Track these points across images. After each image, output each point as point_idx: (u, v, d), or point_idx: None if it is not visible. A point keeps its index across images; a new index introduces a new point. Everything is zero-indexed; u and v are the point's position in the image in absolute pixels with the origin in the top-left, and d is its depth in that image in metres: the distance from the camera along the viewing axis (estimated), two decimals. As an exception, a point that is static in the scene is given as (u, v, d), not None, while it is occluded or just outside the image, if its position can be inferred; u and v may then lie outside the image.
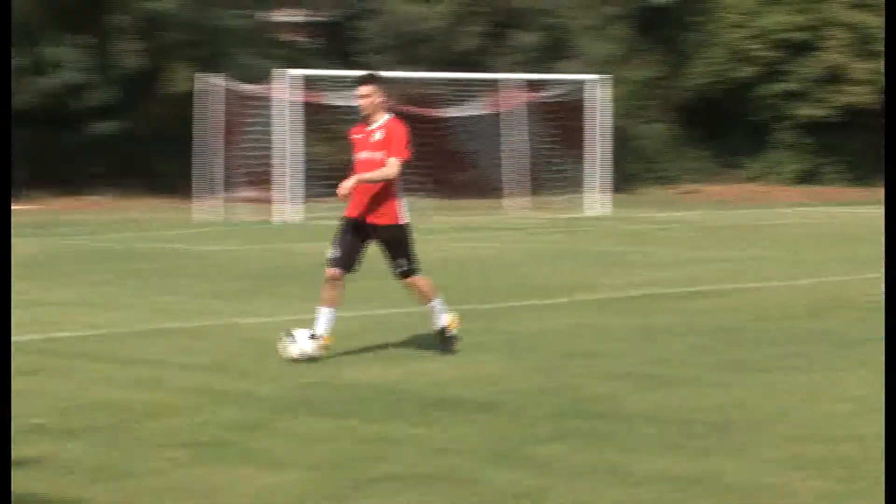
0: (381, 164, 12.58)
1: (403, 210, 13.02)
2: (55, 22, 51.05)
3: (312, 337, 12.78)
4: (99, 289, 22.81)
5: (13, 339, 14.65)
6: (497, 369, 13.08)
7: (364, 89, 12.71)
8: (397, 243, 13.02)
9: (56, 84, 51.53)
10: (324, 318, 12.90)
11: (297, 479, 8.15)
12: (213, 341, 15.82)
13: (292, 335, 12.76)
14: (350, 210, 13.13)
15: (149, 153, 52.78)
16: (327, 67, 50.06)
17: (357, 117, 38.33)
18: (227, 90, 46.31)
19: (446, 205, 45.69)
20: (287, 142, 43.90)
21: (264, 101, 44.89)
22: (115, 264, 27.79)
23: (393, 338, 15.57)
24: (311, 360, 12.83)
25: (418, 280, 13.48)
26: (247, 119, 45.11)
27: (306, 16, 59.09)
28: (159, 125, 52.51)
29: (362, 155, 12.73)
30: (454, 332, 13.48)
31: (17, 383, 11.43)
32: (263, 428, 10.19)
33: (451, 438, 9.28)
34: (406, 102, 47.09)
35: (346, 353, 14.32)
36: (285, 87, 44.98)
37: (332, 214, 42.50)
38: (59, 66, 51.59)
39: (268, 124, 44.35)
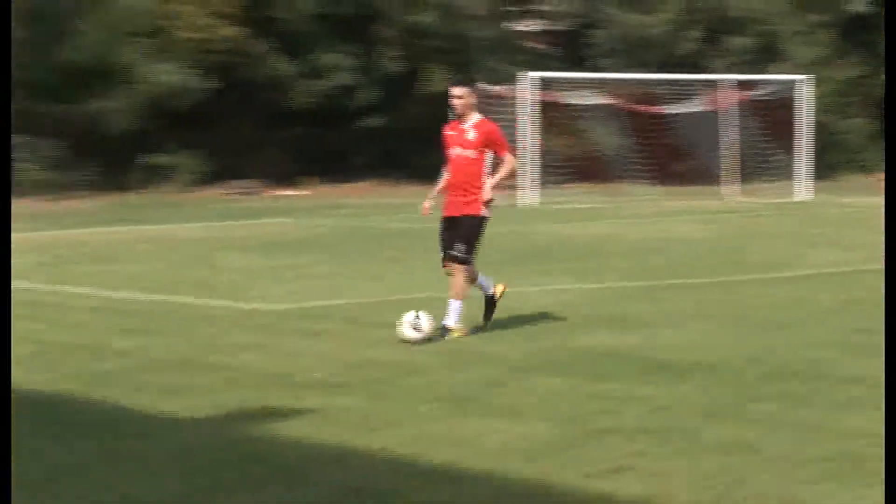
0: (473, 160, 13.41)
1: (487, 206, 13.68)
2: (330, 33, 55.33)
3: (445, 329, 13.41)
4: (364, 263, 24.57)
5: (304, 304, 17.30)
6: (714, 337, 14.07)
7: (458, 91, 13.64)
8: (467, 230, 13.78)
9: (329, 87, 55.86)
10: (482, 282, 13.96)
11: (535, 431, 9.29)
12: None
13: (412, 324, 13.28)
14: (447, 210, 13.90)
15: (407, 146, 56.26)
16: (563, 70, 52.74)
17: (589, 115, 43.83)
18: (479, 91, 54.22)
19: (668, 191, 48.18)
20: (528, 135, 47.51)
21: (508, 101, 47.94)
22: (377, 242, 30.24)
23: (615, 309, 16.71)
24: (478, 329, 13.66)
25: (462, 271, 13.86)
26: (492, 116, 52.75)
27: (545, 26, 62.09)
28: (417, 122, 54.89)
29: (455, 151, 13.62)
30: (456, 334, 13.48)
31: (299, 344, 13.48)
32: (506, 385, 11.38)
33: (671, 396, 10.18)
34: (633, 101, 51.89)
35: (575, 321, 15.40)
36: (527, 88, 48.32)
37: (565, 199, 45.74)
38: (332, 71, 55.80)
39: (511, 120, 47.30)
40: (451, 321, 13.88)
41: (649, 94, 52.60)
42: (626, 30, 58.74)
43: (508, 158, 14.16)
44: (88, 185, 55.76)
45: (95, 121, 54.41)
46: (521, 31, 61.39)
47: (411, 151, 56.23)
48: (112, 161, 56.07)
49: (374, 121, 58.31)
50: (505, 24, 60.85)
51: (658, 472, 7.65)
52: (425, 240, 29.21)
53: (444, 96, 42.77)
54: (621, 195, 49.08)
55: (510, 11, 61.49)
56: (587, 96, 51.08)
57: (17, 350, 13.11)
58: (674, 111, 51.56)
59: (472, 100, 13.80)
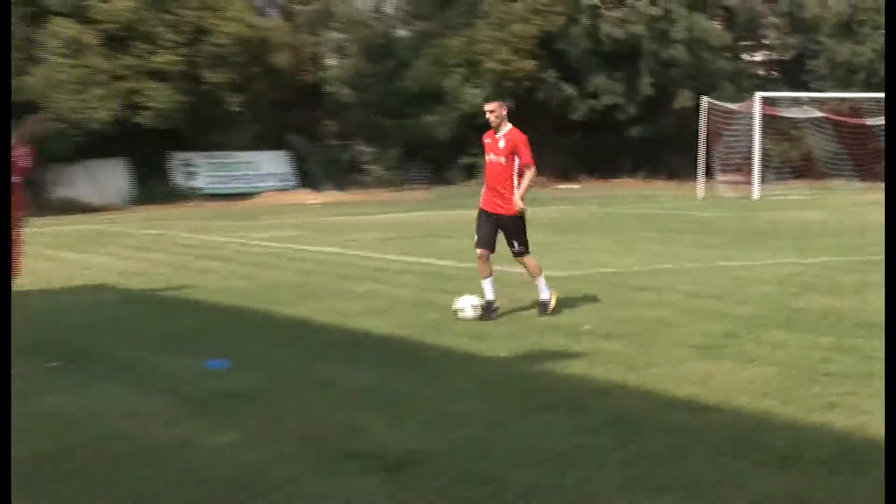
0: (504, 166, 15.18)
1: (520, 203, 15.16)
2: (602, 64, 63.53)
3: (478, 306, 14.95)
4: (627, 241, 27.50)
5: (580, 271, 19.83)
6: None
7: (489, 106, 15.08)
8: (515, 228, 15.19)
9: (601, 105, 64.06)
10: (487, 287, 15.14)
11: (765, 373, 10.87)
12: (704, 277, 19.47)
13: (473, 306, 14.95)
14: (483, 204, 15.46)
15: (664, 151, 63.81)
16: (784, 91, 58.01)
17: (804, 126, 47.04)
18: (716, 108, 55.34)
19: (869, 186, 52.44)
20: (756, 142, 52.28)
21: (742, 115, 54.35)
22: (637, 225, 33.49)
23: (829, 278, 18.94)
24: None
25: (527, 260, 15.47)
26: (727, 128, 54.98)
27: (771, 56, 68.82)
28: (672, 131, 63.33)
29: (490, 157, 15.05)
30: (552, 305, 15.18)
31: (576, 301, 15.73)
32: (740, 337, 13.12)
33: (877, 348, 11.17)
34: (840, 114, 57.74)
35: (796, 288, 17.62)
36: (755, 106, 52.97)
37: (784, 192, 49.62)
38: (604, 93, 64.07)
39: (744, 132, 54.02)
40: (545, 295, 15.22)
41: (854, 108, 58.90)
42: (838, 57, 64.59)
43: (529, 174, 15.43)
44: (421, 180, 65.04)
45: (425, 132, 63.35)
46: (751, 60, 68.85)
47: (664, 154, 64.97)
48: (438, 162, 65.72)
49: (636, 131, 65.77)
50: (738, 55, 67.58)
51: (863, 410, 9.05)
52: (676, 222, 33.55)
53: (692, 111, 54.55)
54: (830, 189, 54.70)
55: (743, 45, 68.24)
56: (803, 111, 57.62)
57: (371, 304, 16.51)
58: (876, 122, 55.12)
59: (503, 112, 15.04)
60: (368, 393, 10.39)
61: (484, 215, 15.37)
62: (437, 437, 8.68)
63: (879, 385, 9.15)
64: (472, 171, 61.46)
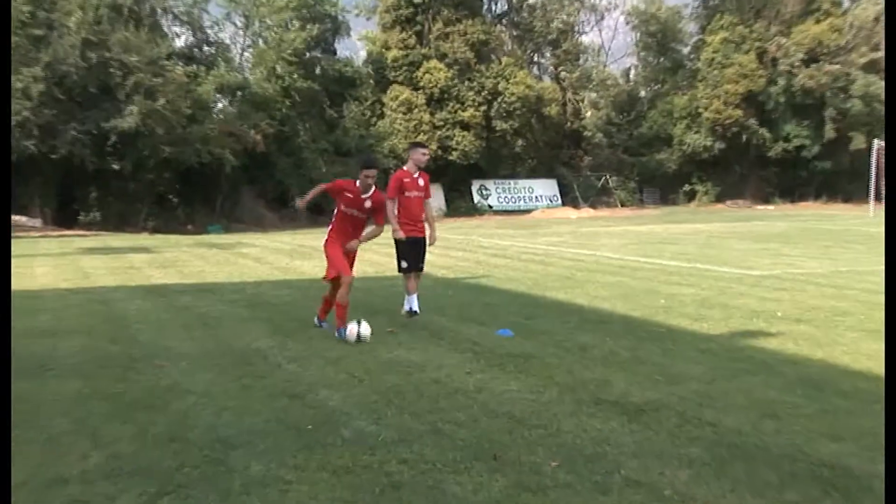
0: (422, 199, 13.42)
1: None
2: (792, 113, 62.08)
3: (413, 312, 13.08)
4: (813, 249, 26.40)
5: (775, 272, 18.98)
6: None
7: (425, 151, 13.43)
8: (425, 249, 13.44)
9: (790, 146, 62.30)
10: (413, 300, 13.17)
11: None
12: (874, 277, 18.60)
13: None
14: (411, 233, 13.12)
15: (842, 181, 62.45)
16: None
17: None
18: (884, 148, 51.92)
19: None
20: None
21: None
22: (820, 237, 32.37)
23: None
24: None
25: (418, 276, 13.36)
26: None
27: None
28: (848, 166, 61.62)
29: (413, 193, 12.97)
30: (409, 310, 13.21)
31: (772, 294, 15.28)
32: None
33: None
34: None
35: None
36: None
37: None
38: (793, 137, 62.32)
39: None
40: (415, 305, 13.39)
41: None
42: None
43: (430, 203, 13.69)
44: (653, 202, 64.49)
45: (657, 165, 63.63)
46: None
47: (842, 183, 62.91)
48: (665, 189, 65.78)
49: (819, 165, 63.67)
50: None
51: None
52: (851, 235, 32.09)
53: (865, 150, 54.62)
54: None
55: None
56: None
57: (615, 292, 16.10)
58: None
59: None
60: (613, 356, 10.27)
61: (412, 242, 13.26)
62: (666, 390, 8.54)
63: None
64: (692, 196, 62.37)
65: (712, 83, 61.46)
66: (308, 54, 51.03)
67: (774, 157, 63.38)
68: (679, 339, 11.41)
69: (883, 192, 50.51)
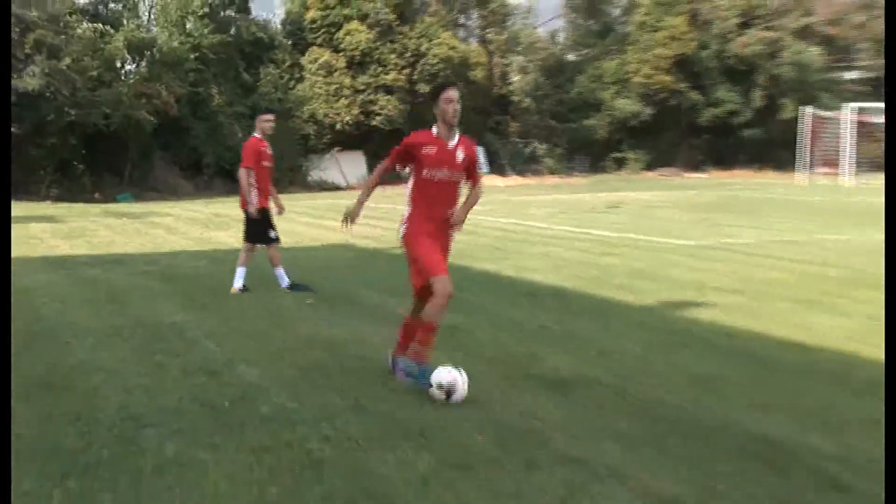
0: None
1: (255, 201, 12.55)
2: (725, 78, 63.25)
3: (245, 288, 12.63)
4: (745, 219, 26.61)
5: (707, 241, 19.16)
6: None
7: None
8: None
9: (723, 111, 63.55)
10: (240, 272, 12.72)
11: (852, 323, 10.61)
12: (807, 248, 18.75)
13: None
14: (265, 203, 12.78)
15: (774, 149, 62.73)
16: (872, 102, 54.72)
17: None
18: (815, 116, 55.27)
19: None
20: (847, 143, 52.68)
21: (834, 121, 54.21)
22: (752, 207, 32.80)
23: None
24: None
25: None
26: (824, 131, 55.24)
27: (862, 74, 65.88)
28: (778, 133, 62.82)
29: (265, 163, 12.44)
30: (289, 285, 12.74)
31: (708, 265, 15.55)
32: (836, 295, 12.75)
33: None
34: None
35: (881, 256, 16.98)
36: (846, 114, 53.28)
37: (866, 183, 47.41)
38: (725, 102, 63.62)
39: (834, 134, 54.15)
40: (285, 283, 13.14)
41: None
42: None
43: (242, 172, 12.83)
44: (582, 169, 64.57)
45: (586, 132, 63.49)
46: (846, 78, 66.33)
47: (775, 151, 63.24)
48: (595, 156, 65.55)
49: (750, 132, 64.95)
50: (835, 74, 65.63)
51: None
52: (782, 205, 32.15)
53: (795, 120, 56.46)
54: None
55: (839, 66, 65.94)
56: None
57: (546, 263, 16.24)
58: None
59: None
60: (544, 329, 10.28)
61: (266, 212, 12.96)
62: (599, 364, 8.59)
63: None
64: (622, 163, 63.26)
65: (642, 47, 62.25)
66: (222, 13, 49.97)
67: (705, 123, 64.16)
68: (612, 312, 11.51)
69: (811, 161, 53.56)
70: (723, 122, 63.55)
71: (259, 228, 12.81)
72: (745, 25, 61.28)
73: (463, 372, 7.18)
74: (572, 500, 5.31)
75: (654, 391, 7.62)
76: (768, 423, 6.70)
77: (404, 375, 7.51)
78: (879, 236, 20.08)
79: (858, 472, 5.78)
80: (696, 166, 64.68)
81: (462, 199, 7.79)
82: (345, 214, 7.59)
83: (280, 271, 12.95)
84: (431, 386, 7.21)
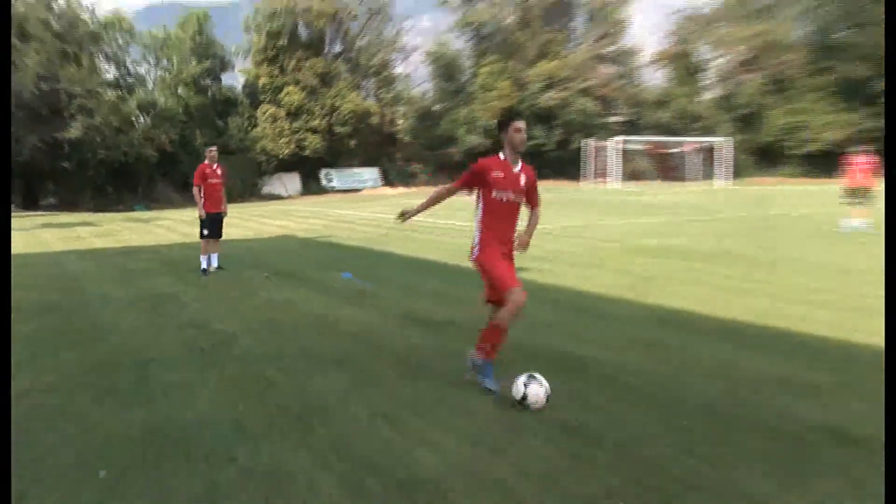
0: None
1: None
2: (536, 121, 59.31)
3: (205, 271, 11.73)
4: (556, 211, 24.21)
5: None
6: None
7: None
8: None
9: (534, 144, 58.48)
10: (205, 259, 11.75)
11: (625, 280, 10.46)
12: (591, 229, 18.15)
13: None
14: (212, 208, 11.83)
15: (568, 166, 59.47)
16: (628, 136, 54.21)
17: (635, 153, 43.66)
18: (593, 145, 53.10)
19: (670, 184, 51.19)
20: (613, 161, 49.54)
21: (604, 149, 51.62)
22: (562, 204, 30.42)
23: (647, 230, 17.48)
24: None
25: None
26: (599, 153, 51.99)
27: (619, 118, 63.23)
28: (571, 157, 59.28)
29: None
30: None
31: (541, 243, 12.20)
32: (613, 260, 12.43)
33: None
34: (657, 146, 54.09)
35: (635, 235, 16.42)
36: (612, 143, 50.67)
37: (624, 188, 45.73)
38: (536, 137, 59.05)
39: (605, 155, 51.53)
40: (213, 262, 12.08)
41: (661, 144, 55.44)
42: (660, 120, 61.89)
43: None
44: (445, 182, 63.86)
45: (447, 157, 60.26)
46: (611, 121, 63.11)
47: (568, 168, 59.99)
48: (453, 172, 59.30)
49: (553, 155, 61.34)
50: (604, 119, 62.77)
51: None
52: (574, 203, 30.65)
53: (579, 148, 57.03)
54: (650, 186, 52.00)
55: (606, 113, 63.07)
56: (638, 145, 54.83)
57: (425, 246, 15.46)
58: (672, 150, 56.51)
59: None
60: (428, 290, 10.19)
61: (210, 215, 12.01)
62: (460, 310, 8.48)
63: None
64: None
65: (483, 101, 61.15)
66: (202, 82, 50.24)
67: (525, 151, 62.29)
68: (468, 276, 11.14)
69: (593, 173, 51.79)
70: (536, 149, 61.32)
71: (202, 227, 12.06)
72: (548, 87, 60.93)
73: (543, 386, 5.24)
74: (455, 388, 5.28)
75: (617, 325, 7.50)
76: (580, 349, 6.72)
77: (471, 367, 5.83)
78: (638, 221, 20.21)
79: (621, 370, 5.84)
80: None
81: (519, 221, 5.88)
82: (402, 212, 5.84)
83: (205, 258, 12.15)
84: (490, 380, 5.62)
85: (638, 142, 53.81)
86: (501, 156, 5.64)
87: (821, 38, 56.36)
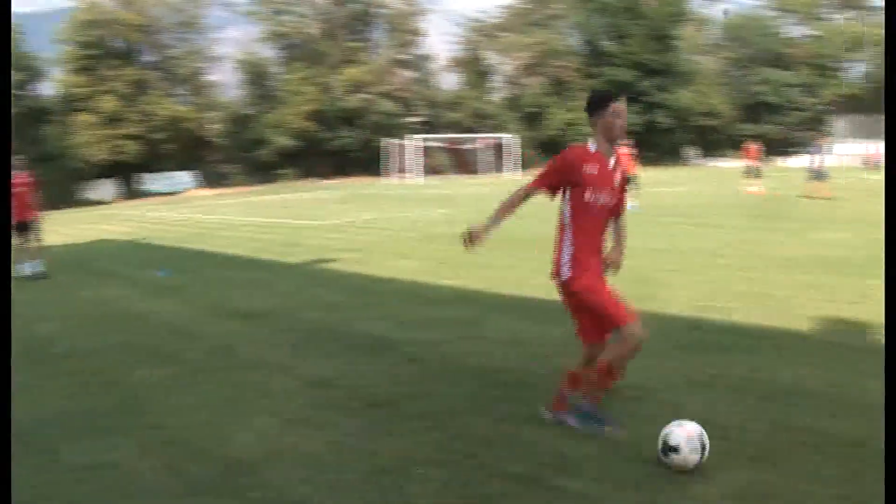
0: None
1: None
2: (342, 122, 59.04)
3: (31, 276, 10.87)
4: (360, 205, 25.03)
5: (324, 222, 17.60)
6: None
7: None
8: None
9: (339, 144, 59.44)
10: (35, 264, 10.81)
11: (420, 265, 10.49)
12: (394, 221, 18.08)
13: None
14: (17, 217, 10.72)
15: (374, 164, 58.06)
16: (425, 134, 54.10)
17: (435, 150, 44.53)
18: (396, 144, 52.66)
19: (475, 176, 50.94)
20: (413, 159, 50.12)
21: (403, 147, 51.88)
22: (365, 198, 30.51)
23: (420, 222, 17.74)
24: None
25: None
26: (400, 153, 51.93)
27: (417, 118, 63.18)
28: (377, 154, 58.96)
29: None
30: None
31: (342, 234, 14.54)
32: (413, 248, 12.42)
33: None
34: (452, 143, 54.03)
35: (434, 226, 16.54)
36: (411, 142, 50.77)
37: (423, 182, 45.89)
38: (343, 139, 59.57)
39: (405, 154, 51.59)
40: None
41: (456, 141, 56.05)
42: (447, 120, 61.70)
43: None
44: (257, 183, 60.38)
45: (260, 158, 59.17)
46: (409, 121, 61.65)
47: (374, 165, 58.79)
48: (266, 173, 60.97)
49: (358, 155, 61.22)
50: (404, 119, 61.72)
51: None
52: (380, 198, 30.33)
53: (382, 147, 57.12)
54: (448, 179, 52.08)
55: (405, 114, 62.56)
56: (437, 143, 54.88)
57: (245, 242, 15.13)
58: (464, 147, 56.66)
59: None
60: (238, 281, 9.97)
61: (19, 224, 11.14)
62: (272, 301, 8.36)
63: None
64: (280, 177, 59.70)
65: (292, 104, 59.86)
66: (15, 92, 46.58)
67: (334, 149, 62.25)
68: (279, 267, 11.21)
69: (396, 170, 51.86)
70: (342, 149, 61.64)
71: (15, 234, 11.21)
72: (354, 90, 60.54)
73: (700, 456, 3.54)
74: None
75: (306, 313, 7.58)
76: (376, 326, 6.79)
77: (574, 412, 4.13)
78: (439, 211, 20.36)
79: (428, 347, 5.93)
80: (327, 175, 61.95)
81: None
82: (469, 233, 3.89)
83: (23, 265, 11.45)
84: (596, 423, 4.03)
85: (435, 139, 54.02)
86: (592, 146, 3.92)
87: (591, 48, 60.00)
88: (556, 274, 3.94)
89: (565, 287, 3.90)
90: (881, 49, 51.71)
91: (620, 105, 3.85)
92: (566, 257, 3.91)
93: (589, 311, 3.83)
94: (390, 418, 4.31)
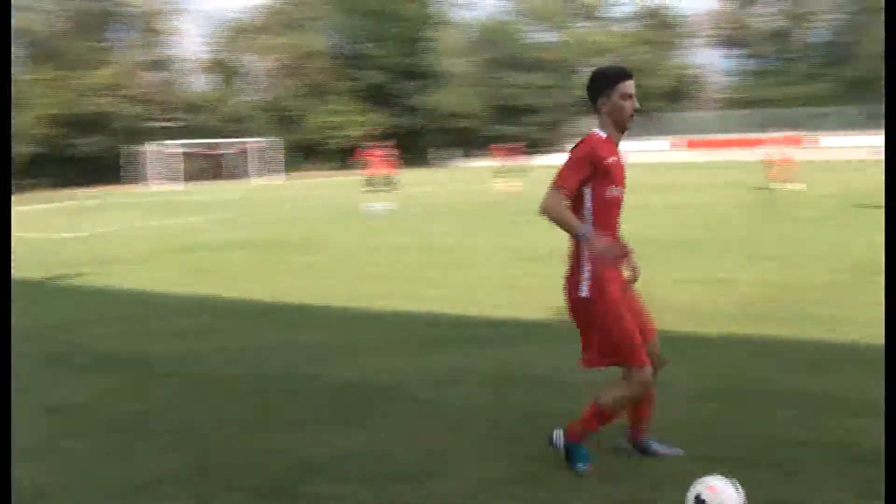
0: None
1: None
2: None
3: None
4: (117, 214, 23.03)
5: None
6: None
7: None
8: None
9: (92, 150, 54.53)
10: None
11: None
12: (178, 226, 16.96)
13: None
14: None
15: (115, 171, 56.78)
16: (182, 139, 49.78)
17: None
18: (145, 151, 48.04)
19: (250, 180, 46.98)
20: (172, 164, 46.69)
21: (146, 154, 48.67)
22: (125, 207, 28.57)
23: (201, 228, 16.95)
24: None
25: None
26: (151, 160, 48.16)
27: (171, 124, 58.82)
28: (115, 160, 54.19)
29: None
30: None
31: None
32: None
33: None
34: (199, 148, 49.79)
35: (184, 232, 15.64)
36: (150, 147, 46.90)
37: (190, 188, 43.04)
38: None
39: (165, 161, 47.98)
40: None
41: (212, 145, 51.50)
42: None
43: None
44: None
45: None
46: (156, 126, 57.68)
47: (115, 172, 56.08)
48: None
49: (113, 159, 54.59)
50: (151, 123, 57.77)
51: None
52: (132, 205, 28.71)
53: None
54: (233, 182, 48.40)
55: (153, 118, 58.16)
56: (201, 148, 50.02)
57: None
58: (221, 152, 52.15)
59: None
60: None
61: None
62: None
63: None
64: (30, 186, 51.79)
65: (32, 109, 52.76)
66: None
67: (78, 157, 55.01)
68: (15, 285, 10.13)
69: (146, 177, 47.99)
70: (88, 156, 54.47)
71: None
72: (98, 94, 55.26)
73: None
74: None
75: (47, 331, 6.90)
76: (123, 343, 6.47)
77: (560, 446, 3.48)
78: (194, 219, 19.20)
79: (180, 361, 5.76)
80: (82, 184, 53.34)
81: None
82: (609, 252, 3.14)
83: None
84: (583, 463, 3.42)
85: (190, 144, 49.87)
86: (601, 133, 3.25)
87: (347, 51, 59.38)
88: (573, 289, 3.22)
89: (582, 305, 3.19)
90: (620, 54, 54.43)
91: (630, 84, 3.19)
92: (585, 272, 3.17)
93: (605, 337, 3.16)
94: (140, 437, 4.09)
